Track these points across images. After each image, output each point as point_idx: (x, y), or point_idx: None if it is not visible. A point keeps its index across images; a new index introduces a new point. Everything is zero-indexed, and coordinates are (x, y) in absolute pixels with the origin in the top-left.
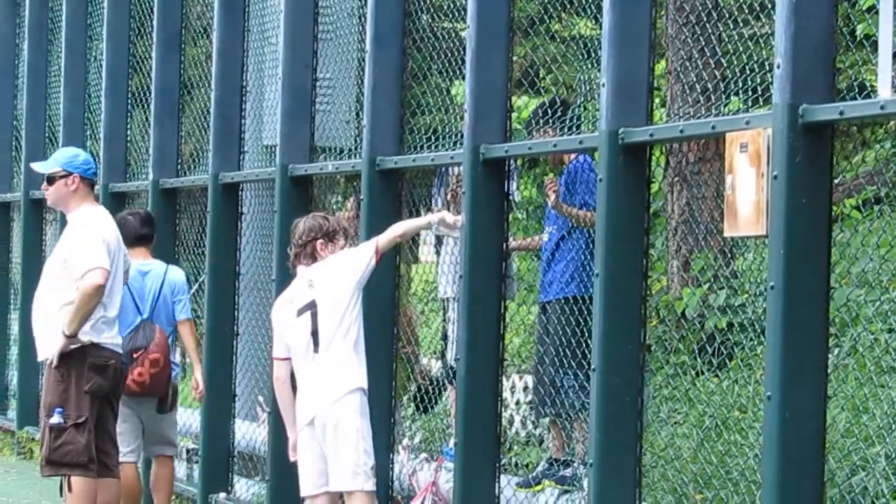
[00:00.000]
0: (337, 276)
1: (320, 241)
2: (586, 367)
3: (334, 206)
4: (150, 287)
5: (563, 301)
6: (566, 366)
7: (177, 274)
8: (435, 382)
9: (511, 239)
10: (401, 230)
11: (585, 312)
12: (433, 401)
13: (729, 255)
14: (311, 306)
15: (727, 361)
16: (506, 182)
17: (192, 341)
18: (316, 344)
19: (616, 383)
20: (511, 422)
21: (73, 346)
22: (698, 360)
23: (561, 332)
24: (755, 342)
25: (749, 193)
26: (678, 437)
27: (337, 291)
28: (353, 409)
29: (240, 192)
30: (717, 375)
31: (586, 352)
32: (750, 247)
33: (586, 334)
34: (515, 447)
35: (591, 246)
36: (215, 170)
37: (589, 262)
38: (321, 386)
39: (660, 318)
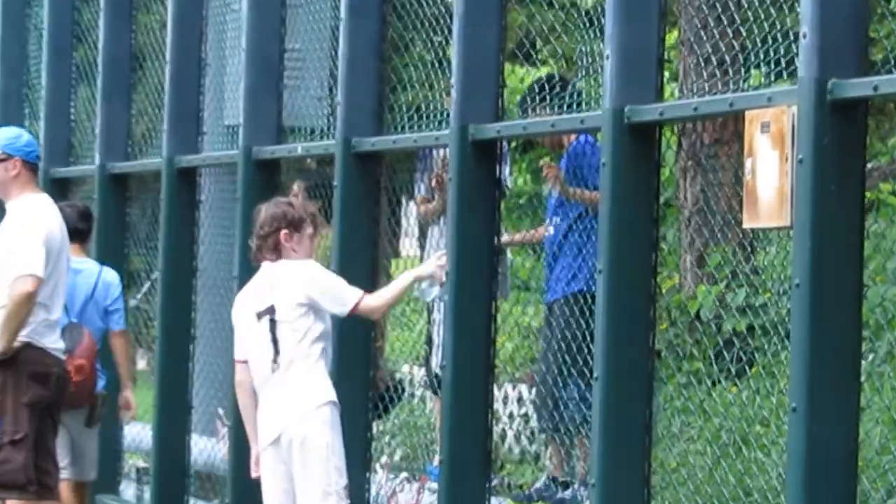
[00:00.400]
0: (298, 290)
1: (284, 231)
2: (589, 374)
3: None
4: (81, 287)
5: (566, 299)
6: (567, 374)
7: (112, 276)
8: (396, 387)
9: (504, 232)
10: (391, 298)
11: (589, 313)
12: (385, 407)
13: (749, 249)
14: (271, 311)
15: (747, 369)
16: (497, 166)
17: (125, 356)
18: (276, 352)
19: (621, 393)
20: (503, 437)
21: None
22: (714, 367)
23: (561, 336)
24: (778, 347)
25: (771, 179)
26: (692, 455)
27: (297, 302)
28: (323, 424)
29: (198, 178)
30: (735, 385)
31: (589, 357)
32: (772, 240)
33: (589, 337)
34: (508, 465)
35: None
36: (170, 153)
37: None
38: (286, 400)
39: (671, 320)
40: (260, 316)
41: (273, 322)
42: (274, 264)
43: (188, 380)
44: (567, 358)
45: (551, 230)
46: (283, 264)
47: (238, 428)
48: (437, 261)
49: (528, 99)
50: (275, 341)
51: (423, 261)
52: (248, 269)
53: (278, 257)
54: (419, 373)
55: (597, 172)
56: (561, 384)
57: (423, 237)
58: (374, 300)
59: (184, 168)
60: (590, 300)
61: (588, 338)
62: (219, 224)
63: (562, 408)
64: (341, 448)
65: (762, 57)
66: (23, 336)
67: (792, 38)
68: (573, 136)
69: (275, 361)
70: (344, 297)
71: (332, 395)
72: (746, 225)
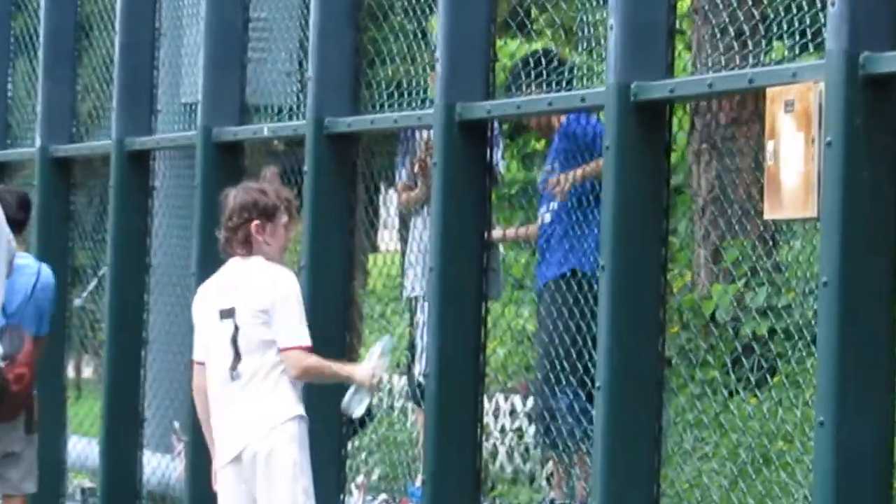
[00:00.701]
0: (265, 297)
1: (256, 222)
2: (587, 377)
3: None
4: (19, 286)
5: (557, 282)
6: (562, 378)
7: (49, 275)
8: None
9: (496, 226)
10: (321, 374)
11: (587, 297)
12: (362, 422)
13: (770, 243)
14: (232, 314)
15: (768, 378)
16: (488, 150)
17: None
18: (237, 358)
19: (627, 405)
20: (494, 454)
21: None
22: (731, 375)
23: (553, 326)
24: (804, 353)
25: (796, 164)
26: (706, 475)
27: (260, 309)
28: (291, 439)
29: (151, 162)
30: (755, 395)
31: (586, 352)
32: (797, 232)
33: (586, 328)
34: (500, 486)
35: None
36: (120, 134)
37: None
38: (249, 413)
39: (683, 323)
40: (223, 315)
41: (237, 327)
42: (245, 261)
43: (140, 389)
44: (561, 351)
45: (548, 217)
46: (257, 266)
47: (196, 443)
48: (370, 369)
49: (521, 75)
50: (235, 346)
51: (404, 256)
52: (207, 265)
53: (249, 251)
54: (400, 382)
55: (594, 148)
56: (556, 391)
57: (404, 229)
58: (311, 361)
59: (135, 151)
60: (586, 282)
61: (585, 328)
62: (175, 214)
63: (559, 419)
64: (309, 468)
65: (785, 27)
66: None
67: (819, 6)
68: (562, 117)
69: (234, 368)
70: (291, 333)
71: (300, 409)
72: (768, 216)
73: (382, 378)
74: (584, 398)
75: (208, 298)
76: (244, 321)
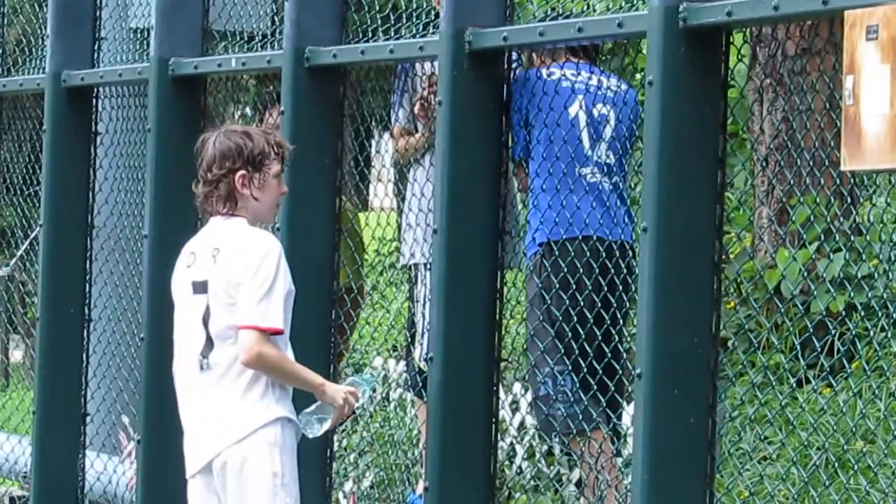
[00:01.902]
0: (237, 269)
1: (241, 172)
2: (581, 360)
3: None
4: None
5: (541, 252)
6: (549, 361)
7: None
8: None
9: (513, 177)
10: (284, 371)
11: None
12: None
13: (849, 200)
14: (205, 288)
15: (845, 363)
16: (504, 86)
17: None
18: (209, 345)
19: (673, 397)
20: (511, 455)
21: None
22: (800, 360)
23: (541, 300)
24: (889, 334)
25: (880, 105)
26: (769, 480)
27: (236, 282)
28: (269, 446)
29: (94, 101)
30: (829, 385)
31: (580, 328)
32: (881, 187)
33: (565, 300)
34: (518, 494)
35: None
36: (56, 66)
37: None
38: (220, 414)
39: (741, 297)
40: (196, 289)
41: (208, 307)
42: (226, 222)
43: (81, 377)
44: (553, 330)
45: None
46: (236, 231)
47: (151, 443)
48: (344, 390)
49: None
50: (207, 329)
51: (401, 216)
52: (164, 226)
53: (234, 209)
54: (397, 368)
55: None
56: (547, 373)
57: (402, 181)
58: (267, 349)
59: (75, 87)
60: (560, 254)
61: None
62: (124, 164)
63: (550, 406)
64: (295, 480)
65: None
66: None
67: None
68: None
69: (205, 356)
70: (249, 309)
71: (282, 410)
72: (846, 167)
73: (353, 408)
74: (575, 380)
75: (182, 265)
76: (216, 300)
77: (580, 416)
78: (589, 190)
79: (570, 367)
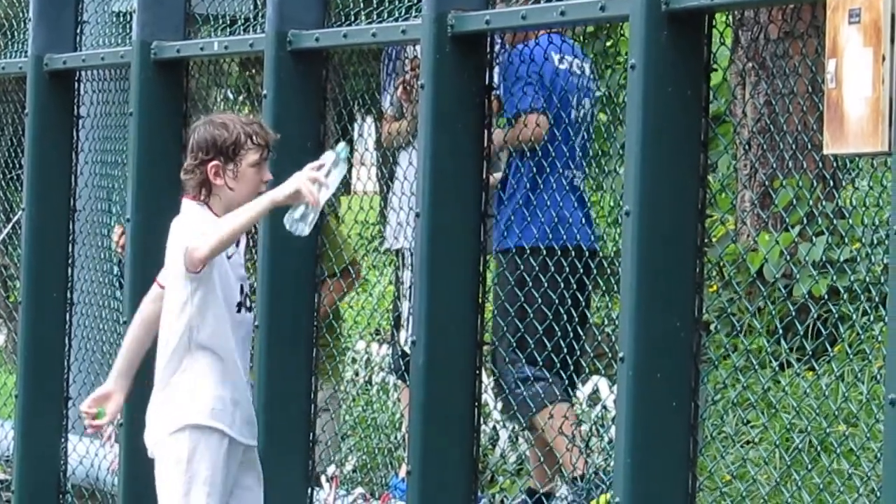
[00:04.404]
0: (174, 253)
1: (213, 163)
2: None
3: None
4: None
5: (507, 252)
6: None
7: None
8: None
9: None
10: (221, 234)
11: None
12: None
13: (831, 184)
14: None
15: (828, 347)
16: (487, 70)
17: None
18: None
19: (655, 381)
20: (494, 440)
21: None
22: (783, 344)
23: (506, 297)
24: (870, 317)
25: (863, 88)
26: (752, 464)
27: (173, 271)
28: (175, 461)
29: (76, 85)
30: (811, 368)
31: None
32: (863, 170)
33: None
34: (501, 477)
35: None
36: (38, 50)
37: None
38: (151, 408)
39: (724, 280)
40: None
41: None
42: (185, 205)
43: (64, 361)
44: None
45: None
46: (182, 212)
47: (133, 427)
48: (307, 171)
49: None
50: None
51: (385, 200)
52: (148, 209)
53: (207, 196)
54: (380, 351)
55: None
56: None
57: (385, 165)
58: (199, 240)
59: (57, 70)
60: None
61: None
62: (106, 148)
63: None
64: (204, 495)
65: None
66: None
67: None
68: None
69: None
70: (173, 255)
71: (201, 415)
72: (828, 150)
73: (327, 186)
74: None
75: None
76: (166, 284)
77: (542, 394)
78: (569, 189)
79: (532, 347)
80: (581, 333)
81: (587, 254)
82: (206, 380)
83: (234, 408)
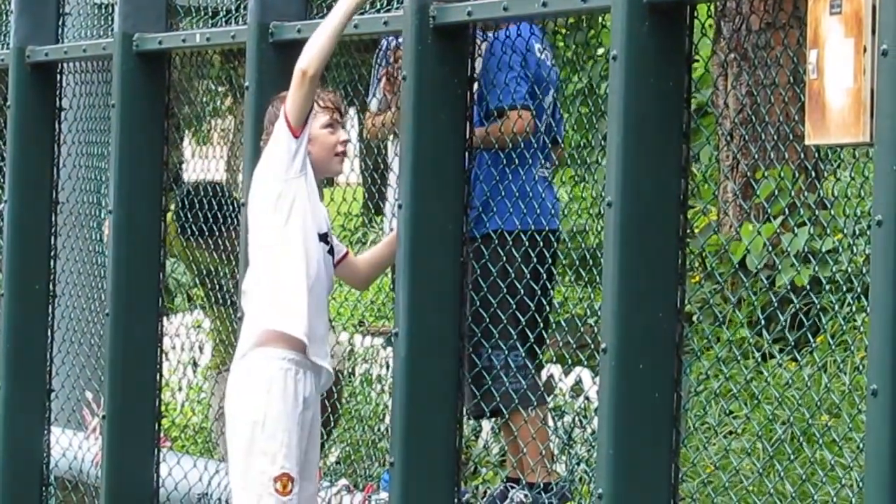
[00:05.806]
0: (254, 185)
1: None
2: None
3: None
4: None
5: (482, 238)
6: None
7: None
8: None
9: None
10: (325, 37)
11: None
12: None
13: (813, 175)
14: None
15: (810, 337)
16: (469, 61)
17: None
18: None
19: (637, 372)
20: (477, 431)
21: None
22: (765, 335)
23: (482, 281)
24: (853, 308)
25: (844, 79)
26: (734, 454)
27: (252, 205)
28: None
29: (58, 77)
30: (794, 359)
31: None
32: (845, 161)
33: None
34: (484, 469)
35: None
36: (20, 42)
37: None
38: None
39: (706, 272)
40: None
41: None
42: None
43: (46, 353)
44: (496, 304)
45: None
46: None
47: (116, 418)
48: None
49: None
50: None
51: (370, 191)
52: (131, 201)
53: None
54: (363, 342)
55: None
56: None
57: (369, 156)
58: (301, 63)
59: (39, 62)
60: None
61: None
62: (88, 140)
63: (493, 380)
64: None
65: None
66: None
67: None
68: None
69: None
70: (278, 127)
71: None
72: (810, 141)
73: None
74: (522, 354)
75: None
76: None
77: (525, 390)
78: (538, 179)
79: (515, 339)
80: (544, 304)
81: (546, 231)
82: None
83: None
